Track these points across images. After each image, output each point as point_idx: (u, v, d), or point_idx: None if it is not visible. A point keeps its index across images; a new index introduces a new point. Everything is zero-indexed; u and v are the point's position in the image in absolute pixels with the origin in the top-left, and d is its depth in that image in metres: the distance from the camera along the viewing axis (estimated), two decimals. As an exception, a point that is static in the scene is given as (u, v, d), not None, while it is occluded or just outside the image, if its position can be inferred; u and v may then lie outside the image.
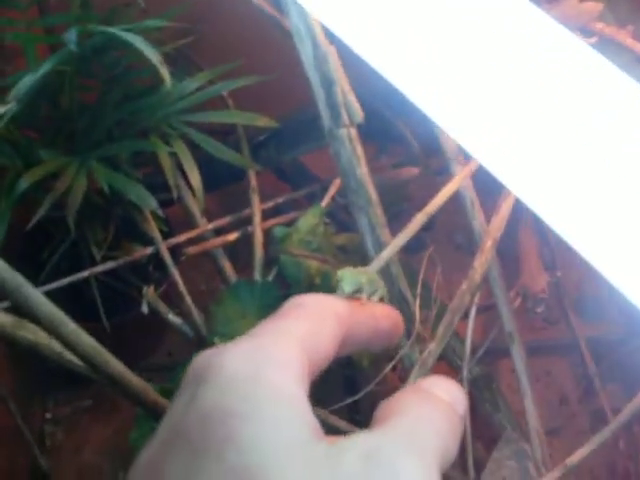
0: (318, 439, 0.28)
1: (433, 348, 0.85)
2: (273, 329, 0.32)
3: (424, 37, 0.42)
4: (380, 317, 0.39)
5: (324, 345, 0.33)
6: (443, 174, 1.19)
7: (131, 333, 1.16)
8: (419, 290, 0.87)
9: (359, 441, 0.28)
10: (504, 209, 0.92)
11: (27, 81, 0.78)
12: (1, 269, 0.55)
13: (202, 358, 0.30)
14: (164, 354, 1.23)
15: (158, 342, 1.26)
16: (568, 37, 0.39)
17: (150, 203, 0.84)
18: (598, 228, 0.35)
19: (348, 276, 0.41)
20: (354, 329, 0.36)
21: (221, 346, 0.30)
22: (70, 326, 0.60)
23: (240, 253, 1.06)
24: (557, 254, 1.29)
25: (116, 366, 0.63)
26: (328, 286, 0.90)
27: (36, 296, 0.58)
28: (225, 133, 1.09)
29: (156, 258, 1.03)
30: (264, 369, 0.29)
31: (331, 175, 1.15)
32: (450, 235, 1.36)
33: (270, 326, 0.32)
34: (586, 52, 0.38)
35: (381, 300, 0.44)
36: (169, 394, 0.52)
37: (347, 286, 0.40)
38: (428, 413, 0.31)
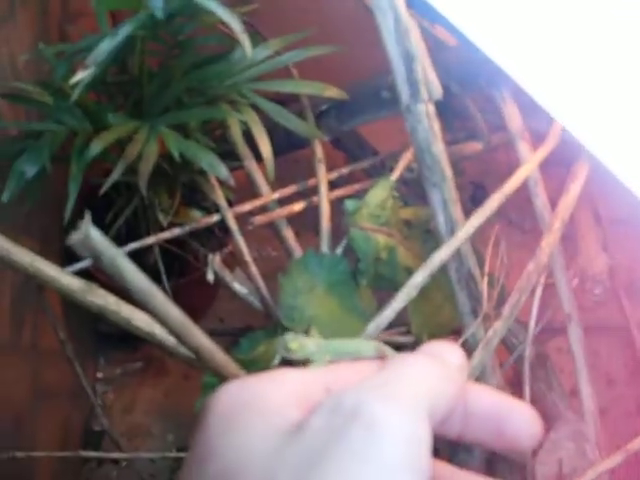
0: (291, 426, 0.27)
1: (499, 327, 0.85)
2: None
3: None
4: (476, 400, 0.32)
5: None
6: (498, 151, 1.18)
7: (183, 298, 1.17)
8: (487, 269, 0.87)
9: (326, 401, 0.27)
10: (573, 190, 0.91)
11: (105, 45, 0.77)
12: (99, 242, 0.55)
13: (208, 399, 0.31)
14: (215, 319, 1.24)
15: (209, 308, 1.27)
16: None
17: (221, 171, 0.83)
18: None
19: (292, 340, 0.41)
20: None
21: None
22: (159, 298, 0.60)
23: (294, 223, 1.05)
24: (609, 237, 1.28)
25: (201, 339, 0.64)
26: (393, 261, 0.90)
27: (130, 269, 0.58)
28: (283, 103, 1.08)
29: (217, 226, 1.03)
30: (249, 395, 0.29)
31: (388, 147, 1.14)
32: (503, 212, 1.35)
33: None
34: None
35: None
36: (247, 366, 0.53)
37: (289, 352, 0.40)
38: (408, 363, 0.29)
